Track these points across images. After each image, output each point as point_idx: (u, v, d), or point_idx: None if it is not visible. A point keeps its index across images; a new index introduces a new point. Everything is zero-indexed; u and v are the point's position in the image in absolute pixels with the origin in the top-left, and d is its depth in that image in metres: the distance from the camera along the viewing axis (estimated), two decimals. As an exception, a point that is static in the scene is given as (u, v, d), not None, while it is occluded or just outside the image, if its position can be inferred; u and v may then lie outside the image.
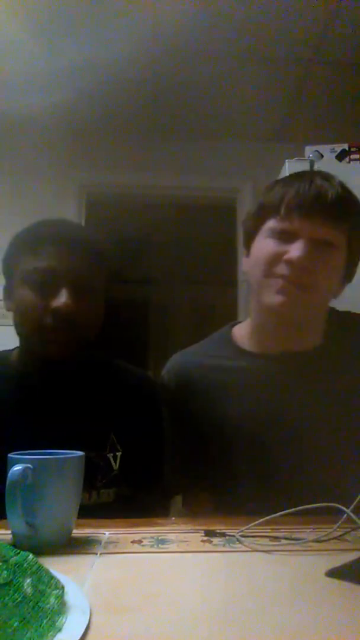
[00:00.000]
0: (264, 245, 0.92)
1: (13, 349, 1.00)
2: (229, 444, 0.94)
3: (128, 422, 0.97)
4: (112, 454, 0.93)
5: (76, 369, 0.94)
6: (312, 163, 1.93)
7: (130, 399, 1.00)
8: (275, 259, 0.89)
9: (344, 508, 0.62)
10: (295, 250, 0.86)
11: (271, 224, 0.91)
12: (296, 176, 0.96)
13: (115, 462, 0.93)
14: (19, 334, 0.94)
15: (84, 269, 0.91)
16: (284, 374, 0.92)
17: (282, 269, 0.88)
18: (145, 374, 1.09)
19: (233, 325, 1.06)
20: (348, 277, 0.95)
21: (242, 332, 1.02)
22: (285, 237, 0.89)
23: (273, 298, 0.89)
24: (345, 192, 0.90)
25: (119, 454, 0.94)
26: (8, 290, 0.95)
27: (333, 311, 1.00)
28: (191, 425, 0.98)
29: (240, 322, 1.06)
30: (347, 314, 1.02)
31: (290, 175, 0.99)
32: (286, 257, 0.87)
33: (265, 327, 0.97)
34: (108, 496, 0.92)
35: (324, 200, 0.87)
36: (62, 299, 0.86)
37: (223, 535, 0.66)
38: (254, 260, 0.94)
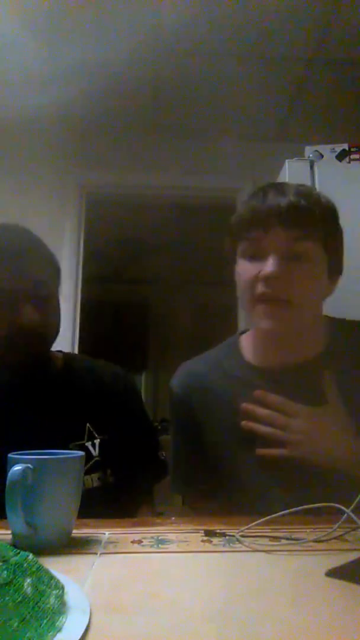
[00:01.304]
0: (241, 267, 0.92)
1: None
2: (231, 453, 0.94)
3: (104, 411, 1.01)
4: (90, 442, 0.97)
5: (48, 366, 0.99)
6: (312, 163, 1.93)
7: (104, 389, 1.05)
8: (253, 280, 0.88)
9: (344, 508, 0.62)
10: (267, 266, 0.86)
11: (241, 246, 0.92)
12: (252, 194, 0.96)
13: (95, 449, 0.97)
14: None
15: (41, 280, 0.94)
16: (283, 385, 0.91)
17: (260, 288, 0.87)
18: (117, 368, 1.13)
19: (242, 334, 1.06)
20: (336, 272, 0.94)
21: (248, 342, 1.02)
22: (256, 257, 0.89)
23: (262, 323, 0.89)
24: (300, 199, 0.87)
25: (97, 441, 0.97)
26: None
27: (328, 318, 1.00)
28: (195, 432, 0.99)
29: (247, 331, 1.06)
30: (343, 320, 1.01)
31: (249, 195, 0.98)
32: (260, 274, 0.87)
33: (263, 343, 0.98)
34: (91, 482, 0.94)
35: (277, 212, 0.86)
36: (25, 315, 0.90)
37: (223, 535, 0.66)
38: (238, 285, 0.94)
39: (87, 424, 0.98)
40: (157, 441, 1.12)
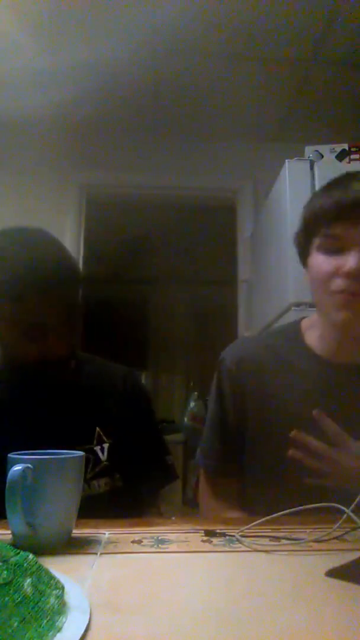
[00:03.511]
0: (317, 262, 0.88)
1: None
2: (274, 439, 0.91)
3: (113, 415, 1.00)
4: (99, 447, 0.96)
5: (59, 367, 0.96)
6: (312, 163, 1.93)
7: (114, 392, 1.04)
8: (331, 276, 0.85)
9: (344, 508, 0.62)
10: (350, 262, 0.83)
11: (318, 240, 0.88)
12: (332, 184, 0.91)
13: (103, 453, 0.96)
14: (1, 345, 0.95)
15: (69, 303, 0.91)
16: (350, 385, 0.88)
17: (340, 283, 0.84)
18: (127, 369, 1.12)
19: (302, 319, 1.03)
20: None
21: (311, 331, 0.98)
22: (336, 250, 0.86)
23: (337, 315, 0.86)
24: None
25: (106, 445, 0.96)
26: None
27: None
28: (235, 412, 0.97)
29: (307, 318, 1.02)
30: None
31: (327, 184, 0.92)
32: (342, 271, 0.83)
33: (334, 339, 0.94)
34: (99, 487, 0.94)
35: None
36: (54, 348, 0.88)
37: (223, 535, 0.66)
38: (311, 278, 0.91)
39: (97, 428, 0.97)
40: (165, 445, 1.10)
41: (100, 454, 0.95)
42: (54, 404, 0.97)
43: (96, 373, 1.06)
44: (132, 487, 0.98)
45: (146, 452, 1.04)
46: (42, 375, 0.92)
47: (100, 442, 0.96)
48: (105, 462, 0.95)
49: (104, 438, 0.97)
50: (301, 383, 0.92)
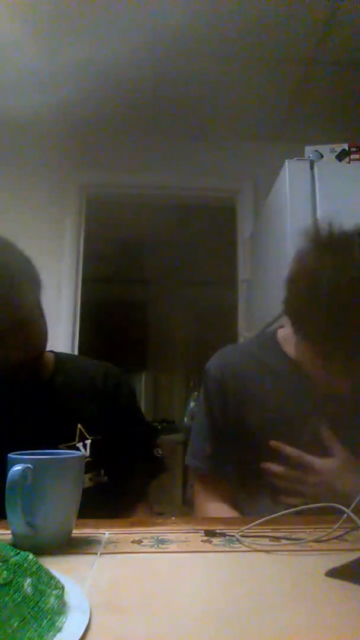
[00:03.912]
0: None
1: None
2: (259, 440, 0.95)
3: (95, 412, 1.01)
4: (81, 443, 0.97)
5: (37, 366, 0.97)
6: (312, 163, 1.93)
7: (94, 390, 1.04)
8: None
9: (344, 508, 0.62)
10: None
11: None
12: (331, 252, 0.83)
13: (86, 450, 0.97)
14: None
15: (29, 313, 0.89)
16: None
17: None
18: (110, 366, 1.12)
19: (277, 329, 1.08)
20: None
21: (287, 341, 1.02)
22: None
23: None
24: None
25: (88, 441, 0.97)
26: None
27: None
28: (229, 416, 1.00)
29: (283, 327, 1.07)
30: None
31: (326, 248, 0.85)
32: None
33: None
34: (83, 483, 0.93)
35: None
36: (15, 354, 0.86)
37: (223, 535, 0.66)
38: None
39: (79, 425, 0.98)
40: (152, 439, 1.12)
41: (82, 450, 0.96)
42: (33, 404, 0.97)
43: (75, 372, 1.07)
44: (118, 482, 0.99)
45: (132, 447, 1.05)
46: (11, 378, 0.91)
47: (83, 439, 0.97)
48: (88, 458, 0.96)
49: (86, 435, 0.98)
50: (282, 387, 0.96)
